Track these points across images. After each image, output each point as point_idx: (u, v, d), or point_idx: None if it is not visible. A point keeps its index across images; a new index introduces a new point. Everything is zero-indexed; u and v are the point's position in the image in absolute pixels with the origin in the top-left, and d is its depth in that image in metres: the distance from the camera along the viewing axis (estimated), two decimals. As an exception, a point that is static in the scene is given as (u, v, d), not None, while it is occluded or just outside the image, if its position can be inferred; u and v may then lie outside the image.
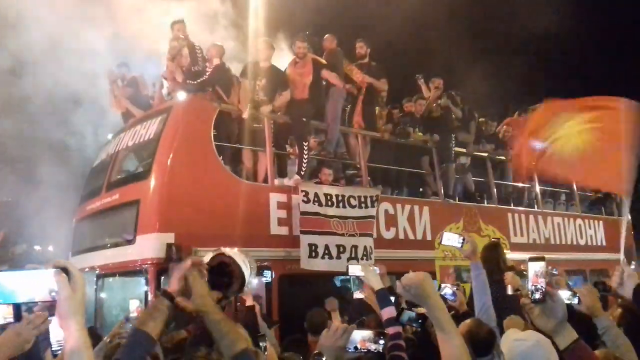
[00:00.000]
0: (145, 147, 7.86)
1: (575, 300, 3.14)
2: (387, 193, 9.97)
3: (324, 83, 9.05)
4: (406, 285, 2.37)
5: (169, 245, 6.80)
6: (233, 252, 2.57)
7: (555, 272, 7.26)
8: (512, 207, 11.76)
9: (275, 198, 8.14)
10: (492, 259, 5.72)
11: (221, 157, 7.91)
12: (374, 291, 4.54)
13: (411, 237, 9.61)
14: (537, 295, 2.20)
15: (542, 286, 2.20)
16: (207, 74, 8.14)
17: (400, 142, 10.12)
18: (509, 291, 5.30)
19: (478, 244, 10.55)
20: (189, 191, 7.36)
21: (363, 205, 8.55)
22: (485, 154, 11.51)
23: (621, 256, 5.28)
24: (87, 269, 8.17)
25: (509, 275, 5.40)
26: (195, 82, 8.02)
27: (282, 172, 8.80)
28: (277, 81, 8.50)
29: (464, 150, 11.05)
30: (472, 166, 11.46)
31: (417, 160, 10.53)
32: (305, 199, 8.09)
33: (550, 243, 11.95)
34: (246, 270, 2.63)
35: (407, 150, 10.36)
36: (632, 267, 8.78)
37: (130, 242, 7.24)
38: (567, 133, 6.07)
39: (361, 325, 4.10)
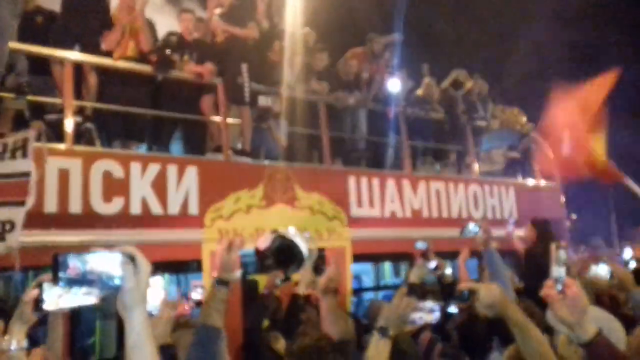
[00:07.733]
0: None
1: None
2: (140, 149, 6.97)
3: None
4: (487, 306, 2.54)
5: None
6: (290, 230, 2.60)
7: None
8: (357, 168, 8.53)
9: None
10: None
11: None
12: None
13: (157, 211, 6.46)
14: (559, 287, 2.16)
15: (562, 276, 2.17)
16: None
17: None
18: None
19: (293, 218, 7.59)
20: None
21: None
22: (320, 97, 8.25)
23: None
24: None
25: None
26: None
27: None
28: None
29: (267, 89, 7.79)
30: (302, 113, 8.24)
31: (193, 101, 7.39)
32: None
33: (421, 216, 8.70)
34: (304, 248, 2.81)
35: (177, 88, 7.25)
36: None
37: None
38: None
39: None
